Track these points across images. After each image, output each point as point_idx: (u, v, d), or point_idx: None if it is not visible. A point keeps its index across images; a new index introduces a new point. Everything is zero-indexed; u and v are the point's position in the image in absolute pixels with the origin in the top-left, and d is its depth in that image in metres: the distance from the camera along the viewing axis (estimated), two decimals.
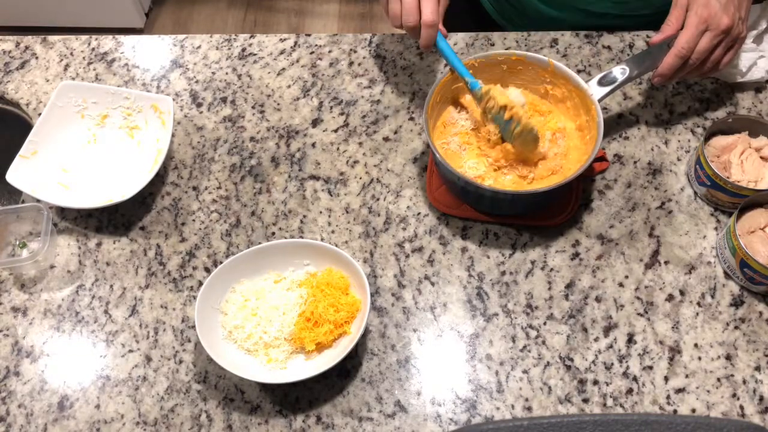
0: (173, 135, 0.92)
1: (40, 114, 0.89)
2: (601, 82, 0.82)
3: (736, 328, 0.77)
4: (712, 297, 0.79)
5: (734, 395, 0.73)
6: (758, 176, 0.82)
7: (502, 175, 0.82)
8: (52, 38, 1.04)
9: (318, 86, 0.97)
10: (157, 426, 0.74)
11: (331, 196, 0.88)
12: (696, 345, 0.76)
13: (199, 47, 1.02)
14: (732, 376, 0.74)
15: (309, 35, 1.02)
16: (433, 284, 0.81)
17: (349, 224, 0.86)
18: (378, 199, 0.87)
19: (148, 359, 0.78)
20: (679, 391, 0.74)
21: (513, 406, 0.74)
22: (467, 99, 0.87)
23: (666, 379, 0.74)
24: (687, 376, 0.74)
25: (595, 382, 0.74)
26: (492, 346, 0.77)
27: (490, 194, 0.79)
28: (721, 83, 0.94)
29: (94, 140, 0.92)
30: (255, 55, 1.01)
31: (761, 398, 0.73)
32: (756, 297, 0.79)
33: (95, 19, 2.22)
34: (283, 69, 0.99)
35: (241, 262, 0.78)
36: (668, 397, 0.73)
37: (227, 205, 0.88)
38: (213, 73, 1.00)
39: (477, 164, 0.82)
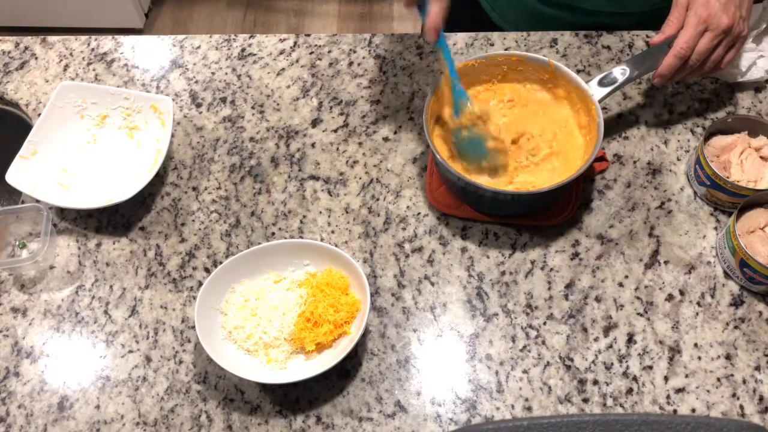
0: (173, 135, 0.92)
1: (39, 114, 0.89)
2: (602, 83, 0.82)
3: (735, 327, 0.77)
4: (712, 297, 0.79)
5: (734, 395, 0.73)
6: (758, 176, 0.82)
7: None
8: (51, 39, 1.04)
9: (318, 86, 0.97)
10: (157, 426, 0.74)
11: (331, 196, 0.88)
12: (696, 345, 0.76)
13: (198, 47, 1.02)
14: (732, 375, 0.74)
15: (308, 35, 1.02)
16: (433, 284, 0.81)
17: (348, 224, 0.86)
18: (378, 199, 0.87)
19: (148, 360, 0.78)
20: (679, 390, 0.74)
21: (513, 406, 0.74)
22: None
23: (666, 378, 0.74)
24: (687, 376, 0.74)
25: (595, 382, 0.74)
26: (492, 346, 0.77)
27: (490, 194, 0.79)
28: (721, 83, 0.94)
29: (94, 140, 0.92)
30: (254, 55, 1.01)
31: (761, 398, 0.73)
32: (756, 297, 0.79)
33: (95, 20, 2.22)
34: (283, 69, 0.99)
35: (240, 263, 0.78)
36: (668, 396, 0.73)
37: (227, 206, 0.88)
38: (212, 73, 1.00)
39: None
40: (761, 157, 0.83)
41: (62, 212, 0.88)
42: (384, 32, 1.01)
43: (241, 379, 0.76)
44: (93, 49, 1.03)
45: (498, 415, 0.73)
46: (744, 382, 0.74)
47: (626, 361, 0.75)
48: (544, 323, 0.78)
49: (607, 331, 0.77)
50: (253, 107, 0.96)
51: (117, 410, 0.75)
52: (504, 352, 0.77)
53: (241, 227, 0.86)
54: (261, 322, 0.76)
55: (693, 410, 0.73)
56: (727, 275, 0.80)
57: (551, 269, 0.81)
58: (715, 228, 0.83)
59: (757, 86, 0.94)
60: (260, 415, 0.74)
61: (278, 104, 0.96)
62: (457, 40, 1.00)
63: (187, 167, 0.91)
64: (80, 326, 0.80)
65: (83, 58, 1.02)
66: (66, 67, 1.01)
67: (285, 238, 0.85)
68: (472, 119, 0.80)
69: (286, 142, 0.93)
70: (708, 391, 0.74)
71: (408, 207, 0.86)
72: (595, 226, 0.84)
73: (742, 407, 0.73)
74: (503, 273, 0.81)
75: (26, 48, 1.03)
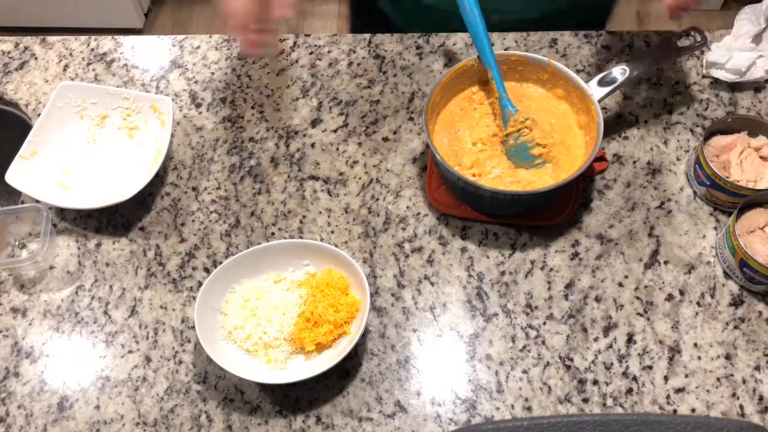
0: (172, 135, 0.92)
1: (39, 114, 0.89)
2: (601, 83, 0.82)
3: (735, 327, 0.77)
4: (712, 297, 0.79)
5: (734, 395, 0.73)
6: (757, 176, 0.82)
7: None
8: (51, 39, 1.04)
9: (317, 86, 0.97)
10: (156, 426, 0.74)
11: (331, 196, 0.88)
12: (696, 345, 0.76)
13: (198, 47, 1.02)
14: (732, 375, 0.74)
15: (308, 35, 1.02)
16: (432, 284, 0.81)
17: (348, 224, 0.86)
18: (377, 199, 0.87)
19: (148, 360, 0.78)
20: (679, 390, 0.74)
21: (513, 406, 0.74)
22: (473, 91, 0.88)
23: (666, 378, 0.74)
24: (687, 376, 0.74)
25: (595, 382, 0.74)
26: (492, 346, 0.77)
27: (489, 194, 0.79)
28: (721, 83, 0.94)
29: (94, 141, 0.92)
30: None
31: (761, 398, 0.73)
32: (756, 297, 0.79)
33: (94, 20, 2.22)
34: (283, 69, 0.99)
35: (240, 263, 0.78)
36: (668, 396, 0.73)
37: (227, 206, 0.88)
38: (212, 73, 1.00)
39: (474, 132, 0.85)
40: (761, 157, 0.83)
41: (62, 212, 0.88)
42: (383, 32, 1.01)
43: (241, 379, 0.76)
44: (93, 49, 1.03)
45: (498, 415, 0.73)
46: (744, 382, 0.74)
47: (626, 361, 0.75)
48: (544, 323, 0.78)
49: (606, 331, 0.77)
50: (252, 107, 0.96)
51: (117, 410, 0.75)
52: (504, 352, 0.77)
53: (241, 227, 0.86)
54: (261, 322, 0.76)
55: (693, 410, 0.73)
56: (726, 275, 0.80)
57: (551, 269, 0.81)
58: (715, 228, 0.83)
59: (757, 86, 0.94)
60: (260, 415, 0.74)
61: (278, 104, 0.96)
62: (457, 40, 1.00)
63: (187, 167, 0.91)
64: (80, 326, 0.80)
65: (83, 58, 1.02)
66: (66, 67, 1.01)
67: (285, 238, 0.85)
68: (517, 126, 0.82)
69: (285, 142, 0.93)
70: (708, 391, 0.74)
71: (408, 207, 0.86)
72: (594, 226, 0.84)
73: (742, 407, 0.73)
74: (503, 273, 0.81)
75: (26, 48, 1.03)
